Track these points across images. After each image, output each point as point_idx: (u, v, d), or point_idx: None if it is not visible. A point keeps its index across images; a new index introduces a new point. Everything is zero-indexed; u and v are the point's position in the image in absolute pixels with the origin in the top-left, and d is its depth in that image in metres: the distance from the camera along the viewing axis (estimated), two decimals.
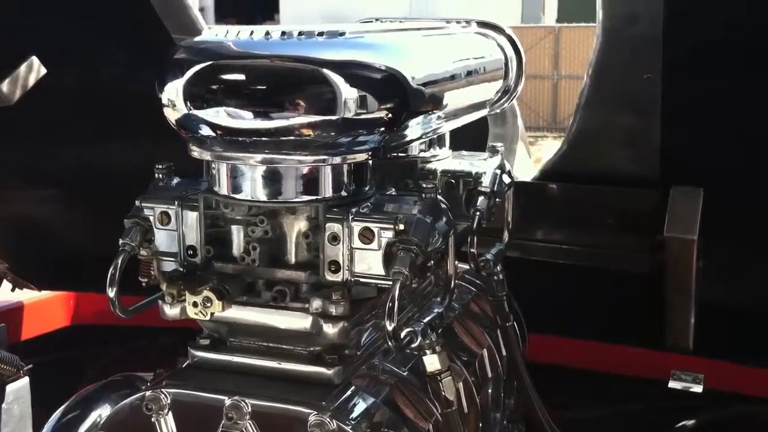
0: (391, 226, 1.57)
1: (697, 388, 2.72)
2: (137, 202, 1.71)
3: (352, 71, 1.54)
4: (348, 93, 1.53)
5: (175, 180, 1.77)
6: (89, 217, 3.10)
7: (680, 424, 2.81)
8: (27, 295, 3.32)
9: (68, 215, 3.14)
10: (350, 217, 1.59)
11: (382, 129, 1.60)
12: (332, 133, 1.55)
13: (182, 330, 2.87)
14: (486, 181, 2.04)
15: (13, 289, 3.21)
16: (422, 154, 2.12)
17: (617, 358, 2.88)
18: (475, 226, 1.96)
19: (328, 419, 1.52)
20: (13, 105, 2.41)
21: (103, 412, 2.30)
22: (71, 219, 3.15)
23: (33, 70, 2.44)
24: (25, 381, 2.97)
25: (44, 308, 3.39)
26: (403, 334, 1.61)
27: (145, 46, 2.45)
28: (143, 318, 3.27)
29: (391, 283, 1.55)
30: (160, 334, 3.37)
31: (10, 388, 2.94)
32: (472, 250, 1.97)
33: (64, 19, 2.47)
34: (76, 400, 2.39)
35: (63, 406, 2.39)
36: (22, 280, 3.21)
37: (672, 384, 2.73)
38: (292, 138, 1.54)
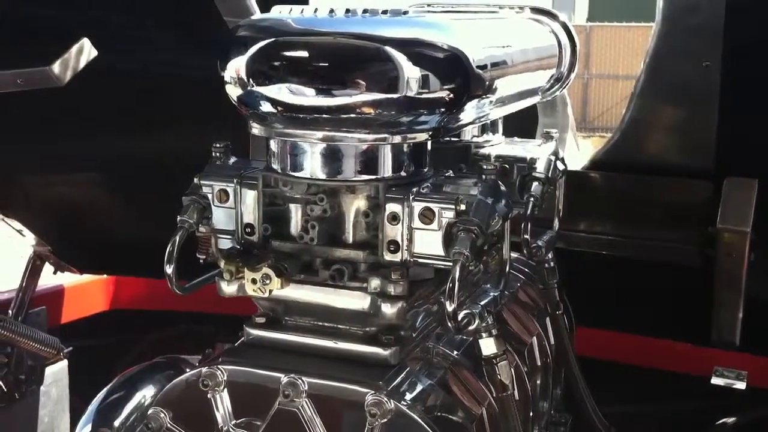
0: (452, 207, 1.56)
1: (740, 385, 2.68)
2: (196, 180, 1.71)
3: (415, 50, 1.53)
4: (411, 72, 1.52)
5: (232, 159, 1.77)
6: (131, 203, 3.10)
7: (721, 421, 2.78)
8: (67, 279, 3.34)
9: (111, 200, 3.15)
10: (411, 197, 1.58)
11: (443, 109, 1.59)
12: (393, 112, 1.55)
13: (220, 316, 2.90)
14: (540, 166, 2.03)
15: (55, 272, 3.22)
16: (476, 139, 2.11)
17: (660, 352, 2.85)
18: (528, 212, 1.95)
19: (385, 399, 1.52)
20: (60, 89, 2.41)
21: (147, 393, 2.31)
22: (113, 204, 3.16)
23: (84, 52, 2.44)
24: (63, 364, 3.00)
25: (84, 292, 3.41)
26: (460, 316, 1.60)
27: (197, 30, 2.46)
28: (181, 303, 3.31)
29: (450, 264, 1.55)
30: (199, 321, 3.40)
31: (49, 370, 2.97)
32: (525, 236, 1.95)
33: (117, 1, 2.48)
34: (120, 380, 2.40)
35: (107, 387, 2.40)
36: (64, 263, 3.22)
37: (715, 380, 2.69)
38: (353, 116, 1.54)
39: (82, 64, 2.41)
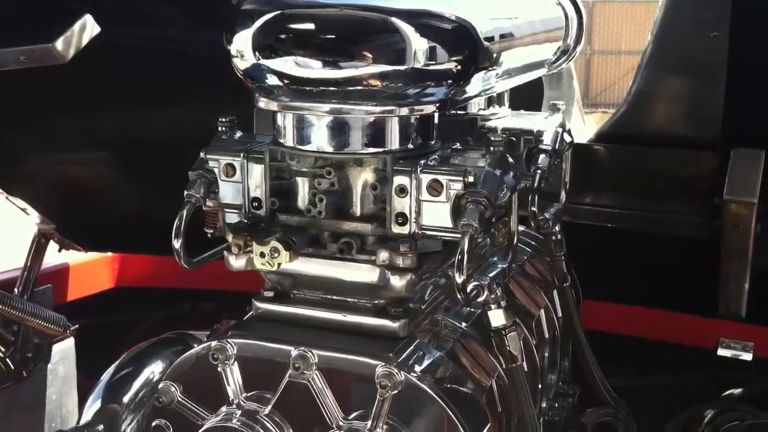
0: (460, 179, 1.56)
1: (747, 356, 2.69)
2: (202, 154, 1.71)
3: (423, 21, 1.53)
4: (418, 43, 1.51)
5: (238, 133, 1.76)
6: (136, 181, 3.10)
7: (728, 392, 2.78)
8: (73, 257, 3.33)
9: (115, 178, 3.14)
10: (418, 169, 1.58)
11: (450, 81, 1.59)
12: (400, 84, 1.54)
13: (226, 293, 2.90)
14: (547, 139, 2.02)
15: (60, 250, 3.21)
16: (482, 112, 2.10)
17: (666, 324, 2.86)
18: (536, 184, 1.94)
19: (396, 370, 1.52)
20: (63, 66, 2.40)
21: (156, 369, 2.31)
22: (118, 182, 3.15)
23: (87, 28, 2.42)
24: (70, 341, 3.00)
25: (90, 270, 3.41)
26: (469, 288, 1.60)
27: (202, 4, 2.44)
28: (187, 281, 3.31)
29: (458, 236, 1.54)
30: (204, 298, 3.40)
31: (56, 348, 2.97)
32: (532, 208, 1.95)
33: None
34: (128, 356, 2.40)
35: (115, 363, 2.40)
36: (69, 241, 3.21)
37: (721, 352, 2.70)
38: (360, 88, 1.54)
39: (85, 40, 2.40)
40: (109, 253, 3.46)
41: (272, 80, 1.57)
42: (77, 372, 3.06)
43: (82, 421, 2.26)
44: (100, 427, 2.20)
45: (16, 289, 2.92)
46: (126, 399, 2.25)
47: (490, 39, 1.66)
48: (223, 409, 1.62)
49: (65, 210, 3.15)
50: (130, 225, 3.13)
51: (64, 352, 3.01)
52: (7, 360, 2.79)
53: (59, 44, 2.34)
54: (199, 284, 3.31)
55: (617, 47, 18.00)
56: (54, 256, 3.23)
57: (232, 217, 1.71)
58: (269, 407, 1.59)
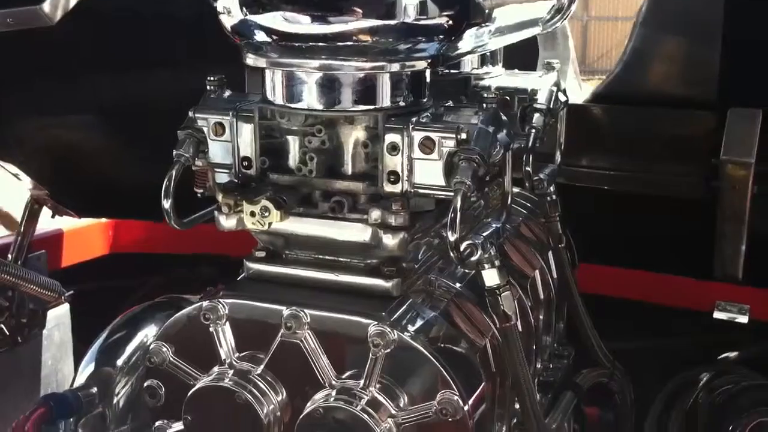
0: (453, 136, 1.54)
1: (743, 319, 2.69)
2: (191, 113, 1.69)
3: None
4: None
5: (227, 92, 1.74)
6: (129, 146, 3.07)
7: (724, 355, 2.78)
8: (66, 223, 3.32)
9: (108, 143, 3.12)
10: (410, 127, 1.56)
11: (442, 36, 1.57)
12: (391, 39, 1.52)
13: (221, 259, 2.89)
14: (542, 97, 1.99)
15: (53, 216, 3.20)
16: (475, 71, 2.08)
17: (662, 287, 2.85)
18: (530, 143, 1.92)
19: (388, 329, 1.50)
20: (53, 30, 2.37)
21: (149, 332, 2.30)
22: (111, 147, 3.13)
23: None
24: (65, 307, 3.00)
25: (83, 236, 3.40)
26: (462, 247, 1.58)
27: None
28: (182, 246, 3.29)
29: (451, 194, 1.53)
30: (200, 263, 3.39)
31: (51, 314, 2.97)
32: (527, 168, 1.93)
33: None
34: (121, 320, 2.38)
35: (109, 327, 2.39)
36: (62, 207, 3.20)
37: (717, 314, 2.69)
38: (350, 43, 1.51)
39: (73, 2, 2.37)
40: (103, 219, 3.44)
41: (260, 36, 1.55)
42: (72, 337, 3.06)
43: (76, 384, 2.25)
44: (94, 389, 2.20)
45: (10, 255, 2.92)
46: (119, 362, 2.24)
47: None
48: (216, 369, 1.60)
49: (58, 175, 3.13)
50: (123, 190, 3.12)
51: (59, 317, 3.01)
52: (2, 326, 2.79)
53: (46, 6, 2.32)
54: (195, 249, 3.30)
55: (614, 13, 17.92)
56: (48, 222, 3.22)
57: (222, 177, 1.69)
58: (261, 367, 1.58)
